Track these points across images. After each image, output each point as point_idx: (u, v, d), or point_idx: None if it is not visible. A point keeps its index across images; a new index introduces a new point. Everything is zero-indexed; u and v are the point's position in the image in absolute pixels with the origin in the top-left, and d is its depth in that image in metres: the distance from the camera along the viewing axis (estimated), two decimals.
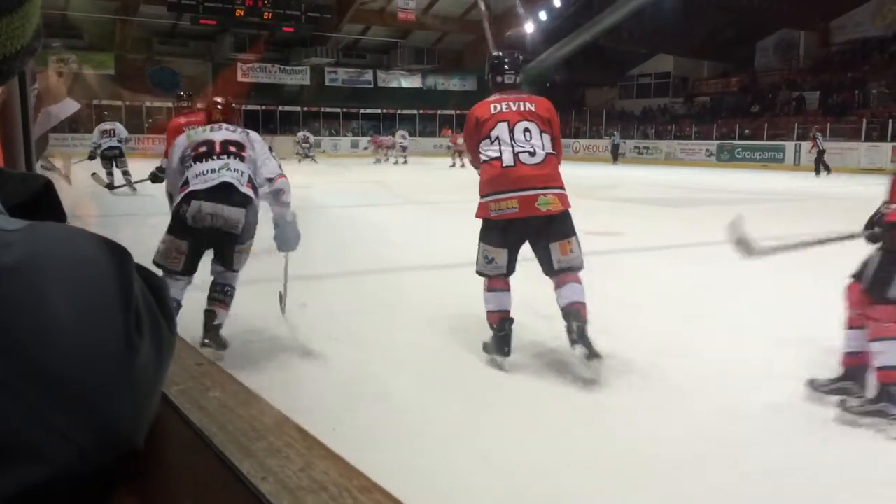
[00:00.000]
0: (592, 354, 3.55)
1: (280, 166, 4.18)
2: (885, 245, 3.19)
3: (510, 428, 3.02)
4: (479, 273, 3.97)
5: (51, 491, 0.41)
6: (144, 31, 32.91)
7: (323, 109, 36.35)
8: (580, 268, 3.81)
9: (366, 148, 30.85)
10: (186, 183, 3.74)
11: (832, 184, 18.63)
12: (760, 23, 34.74)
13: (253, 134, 4.12)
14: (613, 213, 11.60)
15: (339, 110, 37.04)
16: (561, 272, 3.76)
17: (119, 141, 13.08)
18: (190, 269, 3.76)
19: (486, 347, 3.87)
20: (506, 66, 4.01)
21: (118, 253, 0.48)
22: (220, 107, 4.28)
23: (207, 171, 3.72)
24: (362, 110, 37.69)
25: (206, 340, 3.74)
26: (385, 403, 3.28)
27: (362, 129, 37.48)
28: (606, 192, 15.25)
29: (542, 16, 35.41)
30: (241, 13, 31.71)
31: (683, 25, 34.80)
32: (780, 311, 5.03)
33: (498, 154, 3.77)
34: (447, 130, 39.54)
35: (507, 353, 3.75)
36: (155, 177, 7.50)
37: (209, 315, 3.79)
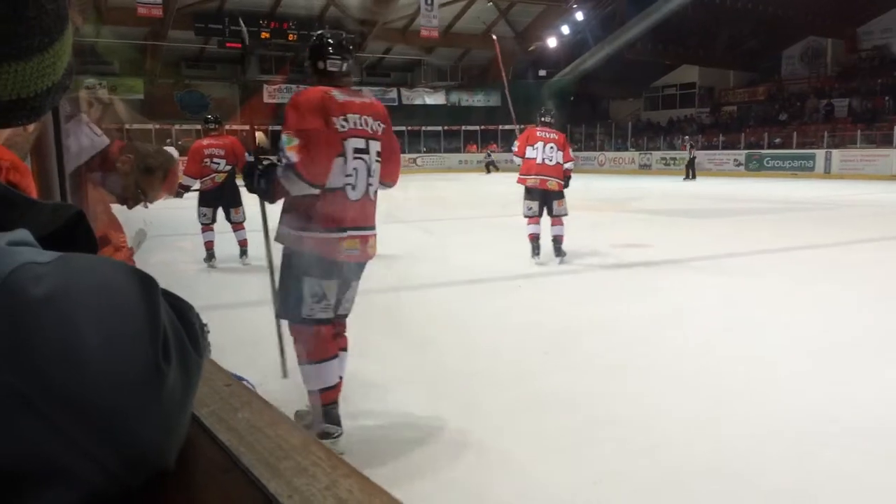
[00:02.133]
0: (561, 256, 7.64)
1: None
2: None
3: (533, 443, 3.00)
4: (526, 216, 7.67)
5: None
6: (173, 55, 33.53)
7: None
8: (566, 214, 7.61)
9: None
10: None
11: (857, 192, 18.33)
12: (786, 31, 34.48)
13: None
14: (641, 225, 11.54)
15: None
16: (556, 216, 7.59)
17: None
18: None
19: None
20: (543, 114, 7.76)
21: (145, 282, 0.50)
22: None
23: None
24: None
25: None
26: (407, 420, 3.27)
27: None
28: (634, 205, 15.18)
29: (565, 29, 35.50)
30: (267, 36, 32.20)
31: (708, 36, 34.70)
32: (810, 322, 4.95)
33: (535, 156, 7.52)
34: (472, 146, 39.75)
35: (537, 254, 7.64)
36: (177, 192, 7.72)
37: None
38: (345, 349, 3.20)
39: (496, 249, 8.75)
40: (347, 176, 2.93)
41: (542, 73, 37.54)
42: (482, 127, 39.48)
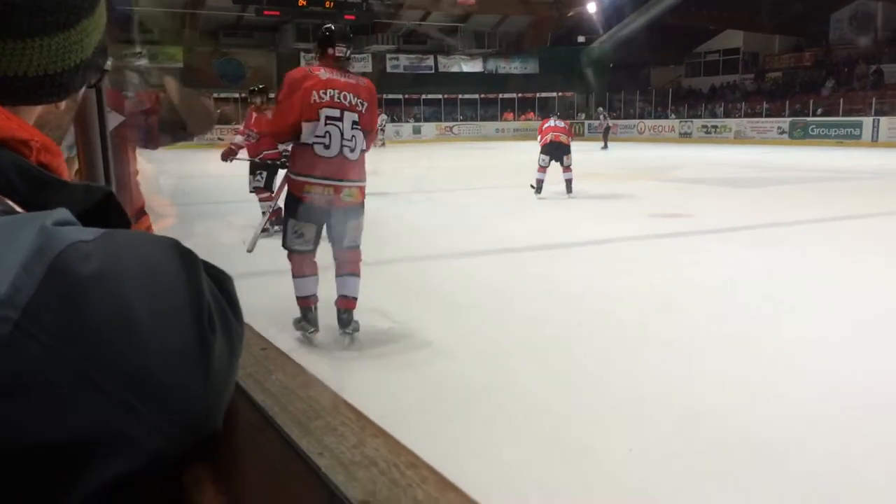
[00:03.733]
0: (570, 193, 10.72)
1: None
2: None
3: (569, 412, 3.02)
4: (540, 165, 10.64)
5: (141, 472, 0.46)
6: (211, 23, 33.67)
7: (385, 96, 36.54)
8: (571, 164, 10.65)
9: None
10: None
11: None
12: None
13: None
14: (681, 194, 11.39)
15: (400, 97, 37.20)
16: (566, 166, 10.60)
17: None
18: None
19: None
20: (553, 114, 11.67)
21: (186, 255, 0.52)
22: None
23: None
24: (424, 96, 37.76)
25: None
26: (451, 386, 3.31)
27: (424, 115, 37.59)
28: (674, 174, 14.96)
29: None
30: (304, 3, 32.11)
31: None
32: (855, 293, 4.87)
33: (550, 125, 10.86)
34: (509, 114, 39.37)
35: (539, 192, 10.72)
36: (226, 155, 7.71)
37: None
38: (352, 274, 3.98)
39: (531, 219, 8.72)
40: (318, 136, 3.73)
41: (581, 39, 36.90)
42: (519, 95, 39.08)
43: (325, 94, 3.75)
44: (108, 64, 0.72)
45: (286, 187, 3.87)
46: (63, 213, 0.49)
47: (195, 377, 0.48)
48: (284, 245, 3.88)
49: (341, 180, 3.78)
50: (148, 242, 0.52)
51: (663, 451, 2.67)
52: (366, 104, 3.87)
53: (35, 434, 0.42)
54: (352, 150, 3.80)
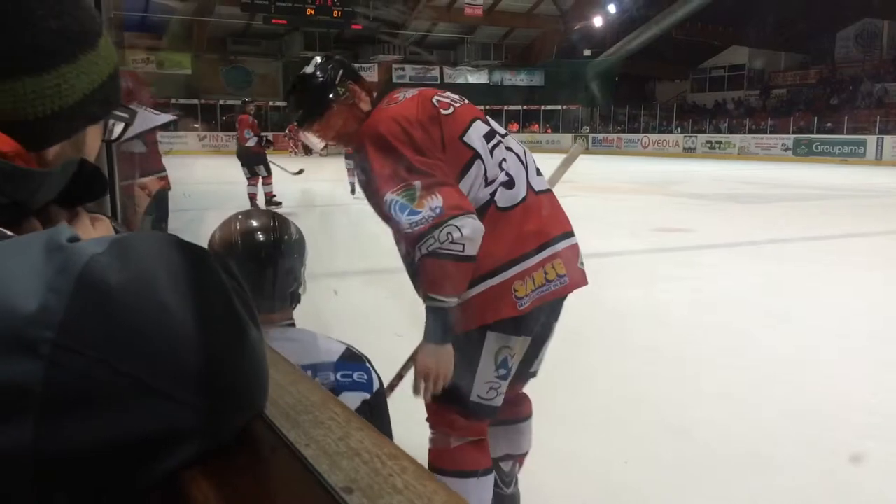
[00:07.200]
0: None
1: None
2: None
3: (566, 420, 3.03)
4: None
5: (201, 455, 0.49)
6: (219, 31, 33.88)
7: None
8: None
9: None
10: None
11: None
12: (841, 12, 33.40)
13: None
14: (683, 209, 11.41)
15: None
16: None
17: None
18: None
19: None
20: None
21: (196, 249, 0.53)
22: None
23: None
24: None
25: None
26: None
27: None
28: (677, 188, 14.99)
29: (612, 8, 34.96)
30: (312, 12, 32.28)
31: (759, 16, 33.83)
32: (853, 310, 4.88)
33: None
34: (514, 126, 39.46)
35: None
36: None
37: None
38: None
39: None
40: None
41: (587, 52, 37.04)
42: (524, 107, 39.19)
43: None
44: (127, 117, 0.69)
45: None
46: (66, 229, 0.49)
47: (241, 362, 0.50)
48: (466, 405, 2.04)
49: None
50: (157, 241, 0.52)
51: (657, 460, 2.69)
52: None
53: (103, 439, 0.43)
54: None
